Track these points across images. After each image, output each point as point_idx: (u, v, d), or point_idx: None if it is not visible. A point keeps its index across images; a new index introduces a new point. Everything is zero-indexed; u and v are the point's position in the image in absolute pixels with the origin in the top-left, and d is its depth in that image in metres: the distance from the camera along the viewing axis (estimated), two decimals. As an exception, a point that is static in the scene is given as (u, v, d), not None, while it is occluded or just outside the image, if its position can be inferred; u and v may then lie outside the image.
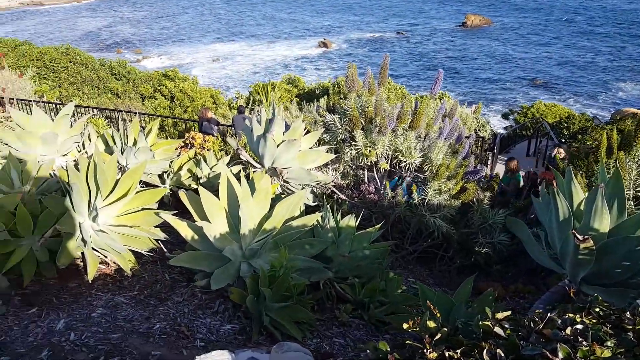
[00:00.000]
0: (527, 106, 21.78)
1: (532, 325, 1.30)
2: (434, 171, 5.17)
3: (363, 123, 5.45)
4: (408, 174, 5.59)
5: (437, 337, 1.25)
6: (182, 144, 4.75)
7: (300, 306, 2.62)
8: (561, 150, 9.15)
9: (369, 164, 5.53)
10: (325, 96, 14.19)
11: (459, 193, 5.13)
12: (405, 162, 5.31)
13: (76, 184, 2.50)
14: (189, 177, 4.34)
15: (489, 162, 11.28)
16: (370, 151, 5.33)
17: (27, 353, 2.08)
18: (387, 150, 5.37)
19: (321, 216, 3.51)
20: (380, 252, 3.59)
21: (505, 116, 25.12)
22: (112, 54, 50.38)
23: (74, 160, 3.79)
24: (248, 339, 2.53)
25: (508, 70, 43.95)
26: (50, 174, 3.04)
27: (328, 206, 3.59)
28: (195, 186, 4.27)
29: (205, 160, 4.33)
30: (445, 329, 1.30)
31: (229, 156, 4.60)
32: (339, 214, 3.71)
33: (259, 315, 2.63)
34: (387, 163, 5.46)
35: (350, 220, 3.58)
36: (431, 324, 1.32)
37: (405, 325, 1.37)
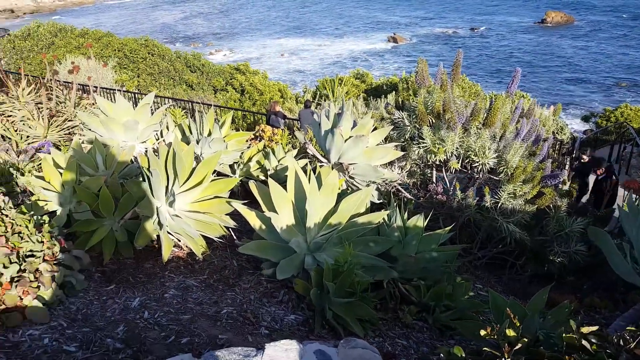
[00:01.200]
0: (611, 109, 20.38)
1: (621, 343, 1.21)
2: (509, 174, 4.95)
3: (431, 120, 5.30)
4: (480, 175, 5.38)
5: (517, 346, 1.18)
6: (253, 136, 4.86)
7: (363, 303, 2.60)
8: None
9: (437, 162, 5.38)
10: (394, 92, 14.00)
11: (535, 198, 4.88)
12: (478, 162, 5.11)
13: (156, 170, 2.62)
14: (258, 169, 4.44)
15: (567, 166, 10.69)
16: (438, 148, 5.18)
17: (105, 327, 2.21)
18: (458, 149, 5.19)
19: (388, 214, 3.46)
20: (448, 255, 3.49)
21: (585, 119, 23.66)
22: (186, 46, 52.38)
23: (153, 148, 3.98)
24: (310, 331, 2.55)
25: (590, 71, 41.28)
26: (131, 160, 3.21)
27: (395, 205, 3.53)
28: (263, 177, 4.35)
29: (273, 153, 4.40)
30: (525, 339, 1.23)
31: (296, 150, 4.64)
32: (406, 214, 3.65)
33: (322, 308, 2.64)
34: (458, 163, 5.28)
35: (419, 221, 3.51)
36: (510, 332, 1.25)
37: (482, 332, 1.32)
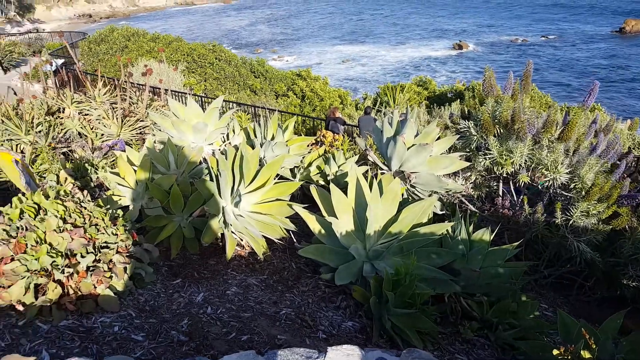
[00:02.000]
0: (694, 125, 18.84)
1: None
2: (583, 191, 4.69)
3: (499, 130, 5.13)
4: (551, 190, 5.14)
5: (595, 372, 1.11)
6: (314, 142, 4.91)
7: (424, 316, 2.54)
8: None
9: (504, 175, 5.20)
10: (458, 100, 13.68)
11: (610, 218, 4.58)
12: (549, 177, 4.89)
13: (224, 171, 2.69)
14: (317, 173, 4.46)
15: None
16: (505, 160, 4.99)
17: (170, 319, 2.29)
18: (527, 161, 4.99)
19: (451, 226, 3.38)
20: (514, 272, 3.35)
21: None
22: (250, 53, 53.80)
23: (220, 149, 4.10)
24: (368, 339, 2.53)
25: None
26: (200, 160, 3.33)
27: (461, 217, 3.45)
28: (323, 182, 4.38)
29: (334, 159, 4.42)
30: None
31: (357, 156, 4.63)
32: (471, 226, 3.54)
33: (380, 317, 2.61)
34: (527, 175, 5.06)
35: (485, 234, 3.41)
36: (586, 354, 1.18)
37: (555, 352, 1.25)
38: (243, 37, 68.39)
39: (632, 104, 33.73)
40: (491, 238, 3.45)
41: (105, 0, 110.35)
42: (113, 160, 4.63)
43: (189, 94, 8.91)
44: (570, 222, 4.46)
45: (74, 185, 3.95)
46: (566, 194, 4.89)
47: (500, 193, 5.66)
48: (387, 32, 68.30)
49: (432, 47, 56.21)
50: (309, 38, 66.26)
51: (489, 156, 5.00)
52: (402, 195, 4.29)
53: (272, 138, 4.12)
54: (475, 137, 5.21)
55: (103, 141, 5.71)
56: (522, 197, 5.29)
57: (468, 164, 4.89)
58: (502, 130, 5.02)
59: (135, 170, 2.99)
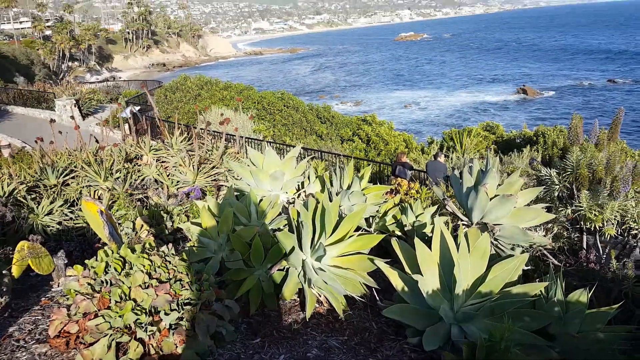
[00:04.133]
0: None
1: None
2: None
3: (589, 181, 4.81)
4: (639, 244, 4.74)
5: None
6: (390, 190, 4.79)
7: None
8: None
9: (590, 228, 4.84)
10: (528, 146, 13.16)
11: None
12: (637, 230, 4.54)
13: (306, 223, 2.62)
14: (393, 223, 4.31)
15: None
16: (595, 215, 4.66)
17: (251, 381, 2.18)
18: (615, 215, 4.64)
19: (545, 286, 3.09)
20: (618, 336, 3.00)
21: None
22: (314, 99, 55.38)
23: (294, 197, 4.07)
24: (462, 415, 2.29)
25: None
26: (280, 212, 3.29)
27: (555, 276, 3.16)
28: (399, 233, 4.21)
29: (411, 208, 4.25)
30: None
31: (436, 206, 4.45)
32: (563, 284, 3.24)
33: (474, 389, 2.37)
34: (614, 228, 4.71)
35: (582, 295, 3.09)
36: None
37: None
38: (308, 84, 70.77)
39: None
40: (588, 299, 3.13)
41: (178, 50, 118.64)
42: (187, 209, 4.70)
43: (265, 141, 9.13)
44: (664, 279, 4.08)
45: (149, 232, 4.02)
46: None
47: (585, 246, 5.26)
48: (445, 77, 68.44)
49: (495, 91, 55.53)
50: (369, 85, 67.51)
51: (578, 208, 4.69)
52: (486, 249, 4.04)
53: (348, 187, 4.03)
54: (558, 187, 4.93)
55: (178, 188, 5.88)
56: (608, 250, 4.90)
57: (554, 216, 4.59)
58: (592, 183, 4.71)
59: (217, 221, 2.98)
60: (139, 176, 6.05)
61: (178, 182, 5.97)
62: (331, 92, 62.88)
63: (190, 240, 3.28)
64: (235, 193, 3.94)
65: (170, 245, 2.63)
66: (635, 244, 4.80)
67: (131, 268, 2.34)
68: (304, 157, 11.37)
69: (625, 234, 4.71)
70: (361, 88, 65.62)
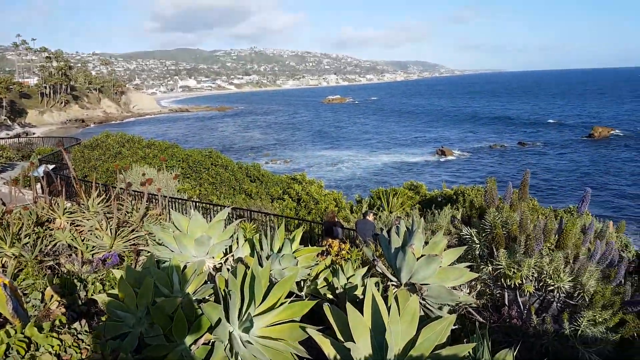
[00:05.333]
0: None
1: None
2: (587, 298, 4.64)
3: (506, 241, 5.09)
4: (556, 298, 5.03)
5: None
6: (321, 251, 4.76)
7: None
8: None
9: (511, 285, 5.09)
10: (449, 204, 13.82)
11: (617, 326, 4.47)
12: (553, 285, 4.83)
13: (234, 293, 2.49)
14: (325, 286, 4.25)
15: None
16: (514, 273, 4.91)
17: None
18: (532, 272, 4.92)
19: (473, 348, 3.13)
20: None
21: (646, 235, 22.38)
22: (244, 156, 55.40)
23: (220, 263, 3.91)
24: None
25: (640, 185, 40.04)
26: (206, 280, 3.12)
27: (481, 334, 3.21)
28: (331, 296, 4.15)
29: (342, 270, 4.23)
30: None
31: (366, 268, 4.46)
32: (489, 343, 3.31)
33: None
34: (532, 285, 4.99)
35: (508, 355, 3.15)
36: None
37: None
38: (236, 142, 70.95)
39: (609, 204, 34.61)
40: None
41: (99, 106, 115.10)
42: (103, 276, 4.37)
43: (190, 201, 8.85)
44: (579, 332, 4.36)
45: (60, 303, 3.67)
46: (571, 302, 4.80)
47: (507, 302, 5.48)
48: (369, 138, 71.72)
49: (416, 152, 58.82)
50: (298, 143, 69.02)
51: (498, 266, 4.91)
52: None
53: (279, 250, 3.95)
54: (479, 246, 5.17)
55: (94, 254, 5.48)
56: (528, 306, 5.13)
57: (477, 275, 4.76)
58: (508, 242, 4.99)
59: (136, 292, 2.77)
60: (50, 241, 5.60)
61: (94, 247, 5.58)
62: (260, 151, 63.44)
63: (105, 313, 3.01)
64: (157, 259, 3.72)
65: (83, 321, 2.39)
66: (552, 299, 5.08)
67: (37, 349, 2.08)
68: (233, 217, 11.14)
69: (543, 289, 4.98)
70: (290, 147, 66.87)
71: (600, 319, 4.53)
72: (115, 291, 2.94)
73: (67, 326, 2.23)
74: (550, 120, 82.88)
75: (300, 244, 4.46)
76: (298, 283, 4.16)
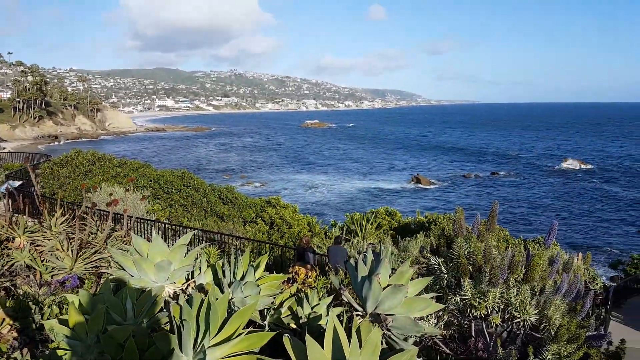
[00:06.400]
0: (638, 257, 19.75)
1: None
2: (552, 332, 4.66)
3: (471, 271, 5.10)
4: (522, 331, 5.04)
5: None
6: (287, 279, 4.68)
7: None
8: None
9: (477, 316, 5.08)
10: (422, 232, 13.91)
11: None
12: (519, 318, 4.84)
13: (188, 323, 2.41)
14: (289, 315, 4.16)
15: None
16: (480, 303, 4.91)
17: None
18: (498, 302, 4.93)
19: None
20: None
21: (613, 266, 22.90)
22: (219, 177, 54.98)
23: (181, 289, 3.80)
24: None
25: (609, 216, 41.22)
26: (162, 307, 3.02)
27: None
28: (295, 326, 4.06)
29: (307, 299, 4.15)
30: None
31: (331, 297, 4.39)
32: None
33: None
34: (498, 316, 4.99)
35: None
36: None
37: None
38: (212, 163, 70.53)
39: (578, 236, 35.44)
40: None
41: (73, 123, 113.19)
42: (61, 299, 4.20)
43: (159, 223, 8.66)
44: (545, 365, 4.36)
45: (12, 327, 3.50)
46: (537, 334, 4.82)
47: (473, 334, 5.47)
48: (346, 164, 72.30)
49: (390, 179, 59.43)
50: (275, 166, 69.02)
51: (463, 297, 4.91)
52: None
53: (242, 277, 3.86)
54: (446, 276, 5.16)
55: (53, 275, 5.28)
56: (494, 338, 5.13)
57: (443, 306, 4.74)
58: (474, 272, 5.00)
59: (87, 319, 2.65)
60: (7, 261, 5.38)
61: (53, 268, 5.37)
62: (236, 173, 63.14)
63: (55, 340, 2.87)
64: (117, 284, 3.59)
65: (25, 350, 2.27)
66: (518, 332, 5.09)
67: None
68: (203, 240, 10.94)
69: (510, 321, 4.98)
70: (267, 169, 66.78)
71: (564, 353, 4.55)
72: (67, 317, 2.81)
73: (6, 356, 2.11)
74: (523, 152, 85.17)
75: (270, 270, 4.39)
76: (261, 312, 4.06)
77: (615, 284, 16.64)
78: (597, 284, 14.37)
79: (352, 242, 12.70)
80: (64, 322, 2.80)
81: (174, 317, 2.65)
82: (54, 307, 4.04)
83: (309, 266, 8.51)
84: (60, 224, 6.26)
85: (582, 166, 65.16)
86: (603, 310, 10.98)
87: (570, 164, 64.76)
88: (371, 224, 15.28)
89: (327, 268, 9.02)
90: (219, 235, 11.27)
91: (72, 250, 5.45)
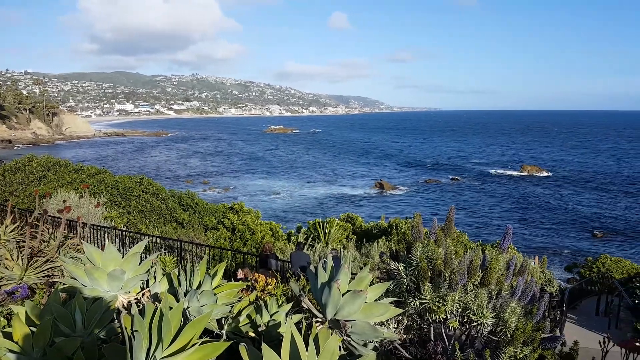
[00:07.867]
0: (592, 259, 20.59)
1: None
2: (509, 335, 4.76)
3: (431, 275, 5.19)
4: (479, 334, 5.14)
5: None
6: (246, 287, 4.62)
7: None
8: None
9: (436, 320, 5.16)
10: (383, 237, 14.05)
11: None
12: (476, 321, 4.94)
13: (139, 333, 2.34)
14: (247, 324, 4.11)
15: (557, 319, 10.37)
16: (439, 307, 5.00)
17: None
18: (456, 306, 5.03)
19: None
20: None
21: (568, 269, 23.79)
22: (181, 182, 53.96)
23: (136, 299, 3.70)
24: None
25: (566, 220, 42.84)
26: (113, 317, 2.93)
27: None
28: (253, 334, 4.01)
29: (266, 307, 4.12)
30: None
31: (291, 303, 4.37)
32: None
33: None
34: (457, 320, 5.08)
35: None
36: None
37: None
38: (173, 169, 69.24)
39: (535, 239, 36.68)
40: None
41: (29, 127, 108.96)
42: (9, 311, 4.02)
43: (117, 230, 8.41)
44: (502, 369, 4.43)
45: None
46: (494, 338, 4.93)
47: (432, 337, 5.55)
48: (310, 169, 72.50)
49: (353, 185, 59.93)
50: (237, 172, 68.39)
51: (422, 301, 4.97)
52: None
53: (199, 286, 3.80)
54: (406, 281, 5.23)
55: (1, 285, 5.05)
56: (453, 342, 5.22)
57: (401, 310, 4.79)
58: (434, 276, 5.08)
59: (33, 332, 2.54)
60: (-50, 272, 5.10)
61: (2, 278, 5.14)
62: (199, 178, 62.18)
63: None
64: (70, 294, 3.46)
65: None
66: (476, 335, 5.20)
67: None
68: (162, 247, 10.69)
69: (467, 325, 5.08)
70: (229, 175, 66.09)
71: (520, 355, 4.64)
72: (11, 329, 2.69)
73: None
74: (482, 158, 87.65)
75: (231, 278, 4.32)
76: (219, 321, 4.00)
77: (570, 286, 17.28)
78: (553, 286, 14.86)
79: (315, 248, 12.70)
80: (8, 336, 2.68)
81: (125, 328, 2.57)
82: (2, 318, 3.86)
83: (270, 273, 8.46)
84: (10, 232, 6.00)
85: (539, 173, 67.58)
86: (558, 312, 11.36)
87: (529, 170, 67.07)
88: (334, 229, 15.33)
89: (288, 274, 8.98)
90: (179, 242, 11.03)
91: (22, 259, 5.23)
